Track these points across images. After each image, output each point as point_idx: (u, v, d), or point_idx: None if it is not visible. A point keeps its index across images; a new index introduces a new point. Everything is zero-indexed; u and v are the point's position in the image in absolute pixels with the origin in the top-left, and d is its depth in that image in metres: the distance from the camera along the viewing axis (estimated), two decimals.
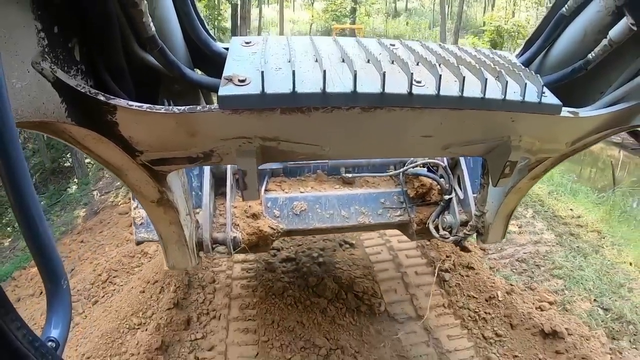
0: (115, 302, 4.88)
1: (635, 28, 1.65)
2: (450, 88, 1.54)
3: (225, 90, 1.42)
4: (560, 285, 5.32)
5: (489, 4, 38.51)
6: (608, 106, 1.88)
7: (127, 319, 4.42)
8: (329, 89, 1.44)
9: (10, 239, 10.62)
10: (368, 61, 1.67)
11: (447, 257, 5.38)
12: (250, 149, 1.64)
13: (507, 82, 1.56)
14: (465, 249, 3.58)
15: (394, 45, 1.90)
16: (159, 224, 2.37)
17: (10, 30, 1.07)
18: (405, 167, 3.48)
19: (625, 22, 1.68)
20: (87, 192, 10.96)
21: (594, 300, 5.05)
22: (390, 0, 44.23)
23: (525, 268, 5.67)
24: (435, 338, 4.32)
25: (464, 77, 1.51)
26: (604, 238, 6.57)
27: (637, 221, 8.13)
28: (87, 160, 12.61)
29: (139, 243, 3.16)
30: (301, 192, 3.55)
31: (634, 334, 4.52)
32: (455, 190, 3.39)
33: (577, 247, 6.21)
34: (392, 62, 1.68)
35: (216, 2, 23.92)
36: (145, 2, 1.37)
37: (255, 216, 3.21)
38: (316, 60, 1.62)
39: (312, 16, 37.73)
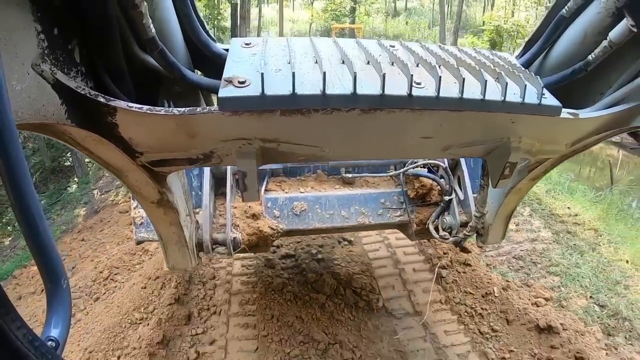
0: (117, 298, 4.96)
1: (635, 29, 1.65)
2: (450, 90, 1.54)
3: (225, 91, 1.42)
4: (557, 282, 5.37)
5: (488, 3, 38.48)
6: (608, 107, 1.88)
7: (129, 314, 4.49)
8: (328, 91, 1.44)
9: (10, 238, 10.63)
10: (368, 63, 1.67)
11: (444, 254, 5.43)
12: (250, 150, 1.64)
13: (507, 83, 1.56)
14: (465, 250, 3.58)
15: (393, 46, 1.90)
16: (159, 224, 2.38)
17: (10, 32, 1.07)
18: (405, 168, 3.48)
19: (625, 23, 1.68)
20: (87, 191, 10.97)
21: (590, 297, 5.08)
22: None
23: (522, 265, 5.72)
24: (432, 333, 4.37)
25: (463, 79, 1.51)
26: (600, 236, 6.60)
27: (634, 219, 8.16)
28: (87, 160, 12.60)
29: (139, 243, 3.16)
30: (301, 192, 3.55)
31: (630, 330, 4.56)
32: (455, 191, 3.39)
33: (574, 244, 6.25)
34: (392, 64, 1.68)
35: (216, 2, 23.90)
36: (145, 3, 1.37)
37: (255, 216, 3.21)
38: (316, 62, 1.62)
39: (312, 15, 37.67)
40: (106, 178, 10.86)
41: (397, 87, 1.50)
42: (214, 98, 1.98)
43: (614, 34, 1.72)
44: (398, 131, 1.71)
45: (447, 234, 3.36)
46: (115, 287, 5.32)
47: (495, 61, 1.83)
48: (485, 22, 27.60)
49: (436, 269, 5.03)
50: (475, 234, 3.23)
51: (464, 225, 3.27)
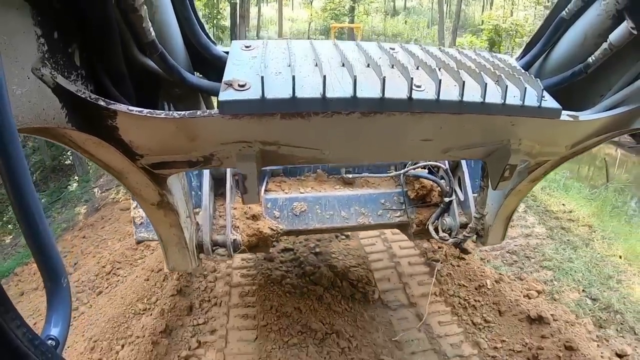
0: (120, 290, 5.05)
1: (635, 32, 1.65)
2: (450, 93, 1.54)
3: (226, 95, 1.42)
4: (550, 276, 5.42)
5: (487, 2, 38.48)
6: (608, 109, 1.88)
7: (132, 305, 4.59)
8: (328, 94, 1.44)
9: (11, 236, 10.69)
10: (368, 65, 1.67)
11: (439, 247, 5.50)
12: (251, 153, 1.64)
13: (506, 86, 1.56)
14: (464, 251, 3.58)
15: (393, 49, 1.90)
16: (159, 226, 2.37)
17: (10, 36, 1.06)
18: (406, 169, 3.48)
19: (625, 25, 1.68)
20: (87, 189, 11.00)
21: (583, 290, 5.13)
22: None
23: (515, 259, 5.77)
24: (427, 324, 4.45)
25: (463, 82, 1.51)
26: (594, 232, 6.64)
27: (628, 216, 8.23)
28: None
29: (139, 242, 3.17)
30: (301, 193, 3.55)
31: (621, 323, 4.61)
32: (455, 192, 3.39)
33: (568, 240, 6.30)
34: (392, 67, 1.68)
35: (215, 1, 23.87)
36: (145, 7, 1.36)
37: (255, 217, 3.21)
38: (316, 65, 1.62)
39: (311, 15, 37.67)
40: (106, 176, 10.86)
41: (397, 90, 1.50)
42: (214, 100, 1.98)
43: (614, 36, 1.73)
44: (398, 134, 1.71)
45: (446, 235, 3.36)
46: (118, 281, 5.41)
47: (495, 63, 1.83)
48: (484, 21, 27.60)
49: (435, 271, 5.06)
50: (475, 235, 3.23)
51: (463, 226, 3.27)
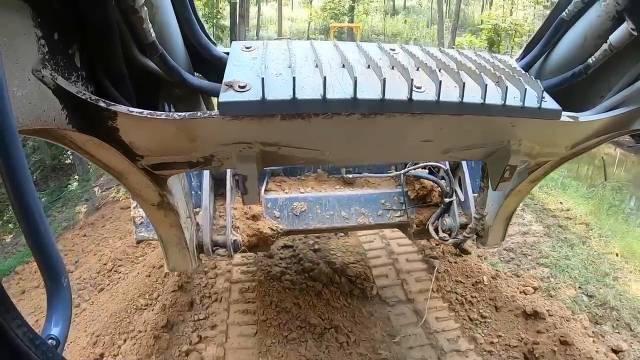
0: (121, 287, 5.10)
1: (635, 33, 1.65)
2: (450, 94, 1.54)
3: (226, 96, 1.42)
4: (546, 273, 5.44)
5: (486, 2, 38.49)
6: (608, 110, 1.88)
7: (134, 300, 4.64)
8: (329, 95, 1.44)
9: (12, 235, 10.75)
10: (368, 67, 1.67)
11: (436, 244, 5.52)
12: (251, 154, 1.64)
13: (507, 87, 1.56)
14: (464, 252, 3.58)
15: (394, 50, 1.90)
16: (160, 226, 2.37)
17: (11, 38, 1.06)
18: (406, 169, 3.47)
19: (625, 27, 1.68)
20: (88, 188, 11.05)
21: (579, 287, 5.15)
22: None
23: (512, 257, 5.80)
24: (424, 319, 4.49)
25: (464, 83, 1.51)
26: (591, 230, 6.67)
27: (625, 214, 8.26)
28: None
29: (139, 242, 3.17)
30: (301, 193, 3.55)
31: (617, 320, 4.64)
32: (456, 192, 3.39)
33: (565, 237, 6.32)
34: (393, 68, 1.68)
35: (215, 1, 23.85)
36: (146, 8, 1.36)
37: (255, 217, 3.21)
38: (316, 66, 1.62)
39: (311, 14, 37.66)
40: (107, 175, 10.82)
41: (397, 91, 1.50)
42: (215, 101, 1.98)
43: (614, 37, 1.73)
44: (398, 135, 1.71)
45: (446, 235, 3.36)
46: (119, 278, 5.46)
47: (496, 64, 1.83)
48: (483, 20, 27.61)
49: (435, 270, 5.08)
50: (474, 236, 3.23)
51: (463, 227, 3.27)
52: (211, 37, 1.96)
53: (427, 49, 1.95)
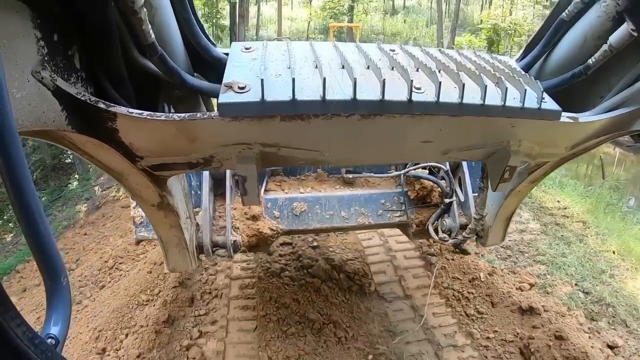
0: (123, 283, 5.15)
1: (635, 34, 1.65)
2: (450, 95, 1.54)
3: (225, 97, 1.42)
4: (543, 270, 5.46)
5: (486, 2, 38.49)
6: (608, 111, 1.88)
7: (136, 296, 4.70)
8: (328, 96, 1.44)
9: (12, 234, 10.76)
10: (368, 67, 1.67)
11: (434, 242, 5.51)
12: (250, 154, 1.64)
13: (506, 88, 1.56)
14: (464, 252, 3.57)
15: (393, 50, 1.90)
16: (160, 227, 2.37)
17: (10, 39, 1.06)
18: (406, 169, 3.47)
19: (625, 27, 1.68)
20: (88, 187, 11.07)
21: (575, 284, 5.17)
22: None
23: (509, 254, 5.83)
24: (421, 315, 4.52)
25: (463, 84, 1.51)
26: (588, 228, 6.68)
27: (622, 213, 8.25)
28: None
29: (138, 242, 3.16)
30: (301, 193, 3.55)
31: (613, 316, 4.66)
32: (456, 192, 3.39)
33: (562, 235, 6.33)
34: (392, 69, 1.68)
35: (214, 0, 23.84)
36: (145, 9, 1.36)
37: (255, 218, 3.21)
38: (316, 67, 1.62)
39: (310, 14, 37.64)
40: (107, 175, 10.84)
41: (397, 92, 1.50)
42: (214, 102, 1.98)
43: (614, 38, 1.72)
44: (398, 136, 1.71)
45: (446, 235, 3.36)
46: (121, 275, 5.50)
47: (495, 65, 1.82)
48: (482, 20, 27.61)
49: (435, 269, 5.09)
50: (474, 236, 3.23)
51: (463, 227, 3.27)
52: (211, 37, 1.96)
53: (427, 50, 1.94)
